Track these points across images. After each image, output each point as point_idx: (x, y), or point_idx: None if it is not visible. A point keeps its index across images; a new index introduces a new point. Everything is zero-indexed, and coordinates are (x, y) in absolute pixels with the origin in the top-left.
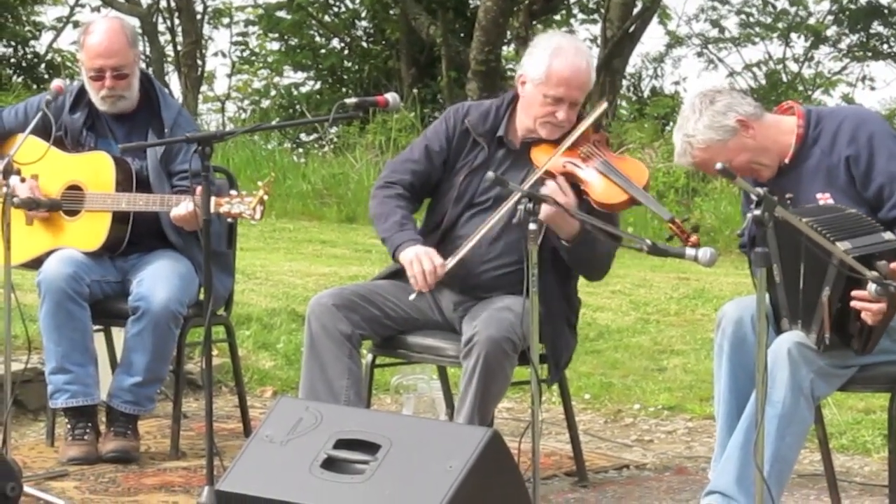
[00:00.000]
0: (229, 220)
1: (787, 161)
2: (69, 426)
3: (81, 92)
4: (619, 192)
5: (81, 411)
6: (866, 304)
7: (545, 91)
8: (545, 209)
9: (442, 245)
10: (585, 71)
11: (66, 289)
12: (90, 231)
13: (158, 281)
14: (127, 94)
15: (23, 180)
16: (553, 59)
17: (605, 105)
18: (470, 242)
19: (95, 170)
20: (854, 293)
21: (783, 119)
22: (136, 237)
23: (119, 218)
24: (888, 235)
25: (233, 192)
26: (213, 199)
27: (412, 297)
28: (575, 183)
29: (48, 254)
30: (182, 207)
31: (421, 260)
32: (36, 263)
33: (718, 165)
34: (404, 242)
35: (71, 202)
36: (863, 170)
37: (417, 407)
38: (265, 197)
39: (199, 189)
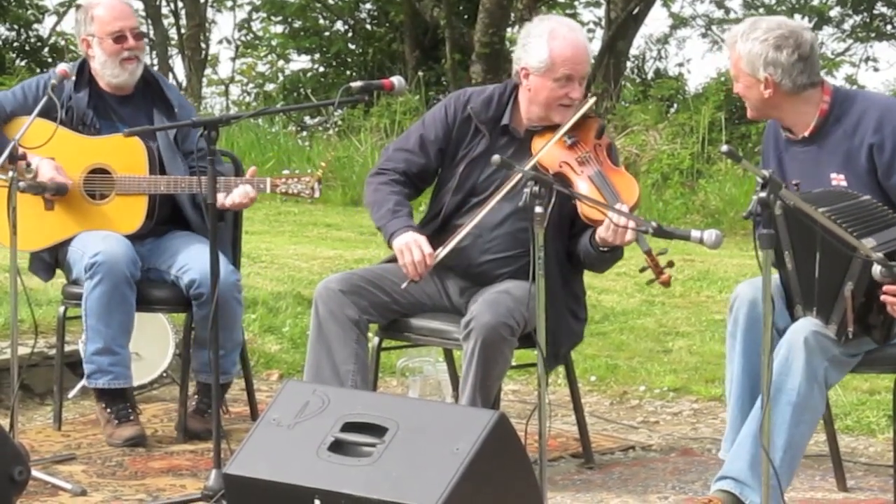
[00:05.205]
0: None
1: (806, 134)
2: (108, 409)
3: (81, 70)
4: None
5: (122, 393)
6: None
7: (554, 76)
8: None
9: (442, 232)
10: (584, 44)
11: (126, 272)
12: (125, 214)
13: (207, 265)
14: (141, 57)
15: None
16: (552, 42)
17: (593, 99)
18: (462, 231)
19: (126, 152)
20: (885, 288)
21: (811, 92)
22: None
23: (151, 201)
24: None
25: (285, 172)
26: (268, 180)
27: (404, 285)
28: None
29: (70, 239)
30: (240, 193)
31: (411, 249)
32: (58, 247)
33: (724, 148)
34: (397, 230)
35: (96, 186)
36: (886, 159)
37: (423, 389)
38: (320, 175)
39: (251, 170)
